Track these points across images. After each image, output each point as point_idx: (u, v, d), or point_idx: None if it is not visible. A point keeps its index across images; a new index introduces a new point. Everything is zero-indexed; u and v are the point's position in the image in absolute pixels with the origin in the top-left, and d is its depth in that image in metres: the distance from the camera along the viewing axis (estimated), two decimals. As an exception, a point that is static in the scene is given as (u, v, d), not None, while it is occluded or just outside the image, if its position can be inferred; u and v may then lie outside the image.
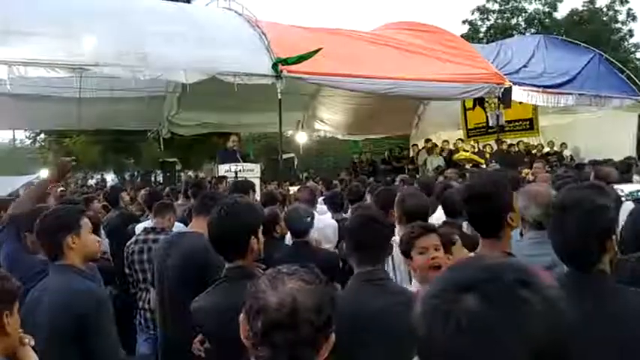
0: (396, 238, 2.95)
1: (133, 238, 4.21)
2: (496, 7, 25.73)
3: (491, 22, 25.85)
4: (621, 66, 13.24)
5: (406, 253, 2.48)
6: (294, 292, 1.16)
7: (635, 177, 5.83)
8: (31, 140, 24.27)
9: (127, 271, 4.18)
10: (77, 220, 2.27)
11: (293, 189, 7.03)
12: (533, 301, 0.67)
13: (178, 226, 4.14)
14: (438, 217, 3.66)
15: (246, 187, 4.78)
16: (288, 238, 3.63)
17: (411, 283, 2.79)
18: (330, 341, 1.20)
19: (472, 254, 2.32)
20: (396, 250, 2.86)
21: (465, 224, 3.35)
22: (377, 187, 5.11)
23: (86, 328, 1.99)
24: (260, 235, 2.17)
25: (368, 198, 4.75)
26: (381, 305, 1.94)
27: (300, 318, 1.14)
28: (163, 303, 2.76)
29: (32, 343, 1.74)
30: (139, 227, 4.57)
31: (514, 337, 0.64)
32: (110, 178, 25.10)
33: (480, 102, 11.86)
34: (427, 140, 14.13)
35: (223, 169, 8.03)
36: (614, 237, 1.62)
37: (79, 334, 1.95)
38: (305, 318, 1.14)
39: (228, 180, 7.50)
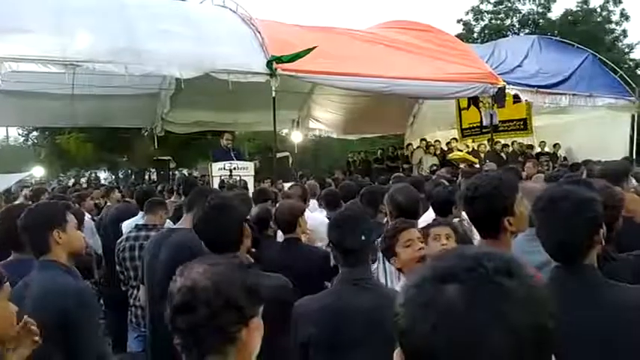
0: None
1: (124, 235, 4.20)
2: (490, 7, 25.77)
3: (486, 22, 25.90)
4: (615, 66, 13.29)
5: (390, 251, 2.40)
6: (195, 275, 1.17)
7: (632, 180, 5.82)
8: (23, 137, 24.17)
9: (117, 268, 4.17)
10: (63, 215, 2.24)
11: (287, 186, 7.04)
12: (515, 290, 0.66)
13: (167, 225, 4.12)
14: (430, 216, 3.66)
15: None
16: (280, 236, 3.61)
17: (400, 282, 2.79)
18: (251, 327, 1.19)
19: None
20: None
21: (455, 222, 3.34)
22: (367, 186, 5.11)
23: (69, 325, 1.97)
24: (247, 227, 2.17)
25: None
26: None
27: (197, 299, 1.14)
28: (153, 300, 2.73)
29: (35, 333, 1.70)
30: (126, 224, 4.56)
31: (495, 326, 0.63)
32: (103, 176, 25.00)
33: (474, 101, 11.88)
34: (422, 139, 14.15)
35: (217, 168, 8.01)
36: (601, 231, 1.62)
37: (62, 331, 1.93)
38: (201, 299, 1.14)
39: (223, 179, 7.51)
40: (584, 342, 1.48)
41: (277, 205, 3.60)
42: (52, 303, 1.97)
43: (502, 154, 12.40)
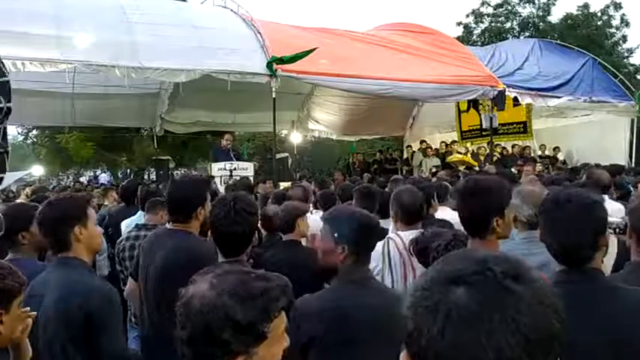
0: (393, 236, 2.94)
1: (124, 235, 4.19)
2: (490, 10, 25.79)
3: (486, 25, 25.90)
4: (614, 70, 13.30)
5: None
6: (196, 289, 1.13)
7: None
8: (23, 136, 24.10)
9: (117, 267, 4.16)
10: (84, 209, 2.10)
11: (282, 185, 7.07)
12: (522, 294, 0.66)
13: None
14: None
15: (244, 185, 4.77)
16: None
17: (405, 284, 2.80)
18: None
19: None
20: (393, 249, 2.86)
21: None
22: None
23: (95, 327, 1.89)
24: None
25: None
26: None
27: (187, 318, 1.12)
28: (147, 300, 2.68)
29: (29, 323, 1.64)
30: (126, 224, 4.54)
31: (503, 329, 0.64)
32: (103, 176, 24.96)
33: (474, 104, 11.89)
34: (422, 142, 14.16)
35: (217, 168, 8.03)
36: (607, 233, 1.63)
37: (87, 333, 1.86)
38: (189, 320, 1.11)
39: (223, 178, 7.53)
40: (593, 345, 1.48)
41: (284, 205, 3.59)
42: (76, 302, 1.88)
43: (503, 157, 12.40)
